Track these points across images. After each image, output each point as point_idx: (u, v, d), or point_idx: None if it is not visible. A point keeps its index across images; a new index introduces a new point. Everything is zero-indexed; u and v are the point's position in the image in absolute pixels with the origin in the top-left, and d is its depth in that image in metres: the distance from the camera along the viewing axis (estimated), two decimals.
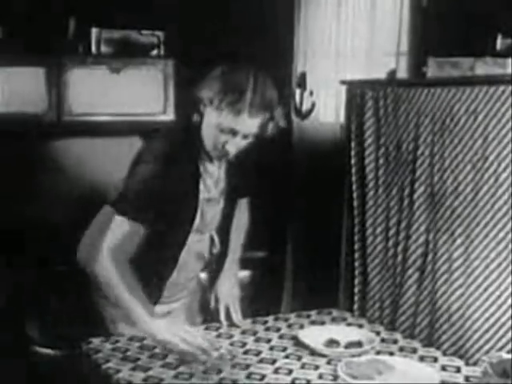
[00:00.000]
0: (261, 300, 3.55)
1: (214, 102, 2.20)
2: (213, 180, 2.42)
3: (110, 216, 2.28)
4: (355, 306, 2.98)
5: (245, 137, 2.25)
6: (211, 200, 2.43)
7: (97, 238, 2.28)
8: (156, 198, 2.25)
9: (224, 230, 2.58)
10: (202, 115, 2.26)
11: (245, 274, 3.84)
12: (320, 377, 2.13)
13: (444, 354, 2.36)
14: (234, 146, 2.26)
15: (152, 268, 2.37)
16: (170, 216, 2.30)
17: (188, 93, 2.32)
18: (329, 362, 2.23)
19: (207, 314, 2.66)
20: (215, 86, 2.22)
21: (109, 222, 2.27)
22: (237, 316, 2.57)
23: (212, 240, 2.55)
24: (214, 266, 2.62)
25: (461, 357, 2.39)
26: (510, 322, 2.40)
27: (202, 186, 2.38)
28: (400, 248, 2.77)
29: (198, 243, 2.48)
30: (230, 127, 2.21)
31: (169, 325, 2.25)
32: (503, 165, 2.41)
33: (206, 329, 2.50)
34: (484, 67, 2.58)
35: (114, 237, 2.26)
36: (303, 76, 4.03)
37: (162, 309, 2.46)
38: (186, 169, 2.33)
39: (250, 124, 2.22)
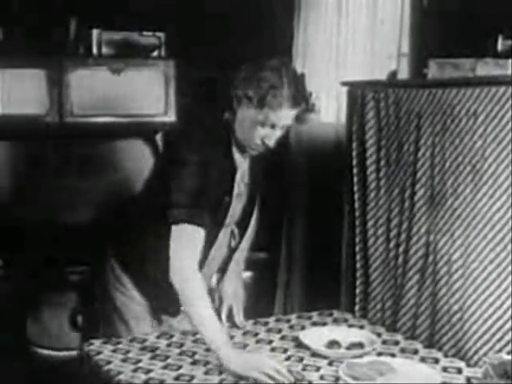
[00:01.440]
0: (261, 301, 3.55)
1: (253, 100, 2.23)
2: (240, 175, 2.44)
3: (181, 230, 2.22)
4: (356, 308, 2.98)
5: (282, 128, 2.30)
6: (240, 195, 2.45)
7: (181, 256, 2.21)
8: (207, 198, 2.25)
9: (243, 224, 2.57)
10: (235, 112, 2.30)
11: (246, 275, 3.84)
12: (321, 378, 2.14)
13: (445, 355, 2.36)
14: (274, 138, 2.31)
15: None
16: (212, 213, 2.30)
17: (217, 92, 2.33)
18: (330, 364, 2.23)
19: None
20: (251, 83, 2.24)
21: (182, 236, 2.21)
22: (239, 317, 2.57)
23: (232, 233, 2.56)
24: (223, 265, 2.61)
25: (462, 358, 2.40)
26: (509, 323, 2.40)
27: (235, 184, 2.41)
28: (401, 249, 2.77)
29: (222, 237, 2.49)
30: (272, 122, 2.26)
31: (251, 358, 2.16)
32: (502, 166, 2.41)
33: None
34: (485, 68, 2.58)
35: (194, 248, 2.22)
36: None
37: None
38: (223, 165, 2.35)
39: (289, 116, 2.28)
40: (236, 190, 2.42)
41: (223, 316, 2.56)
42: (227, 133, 2.35)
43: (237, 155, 2.41)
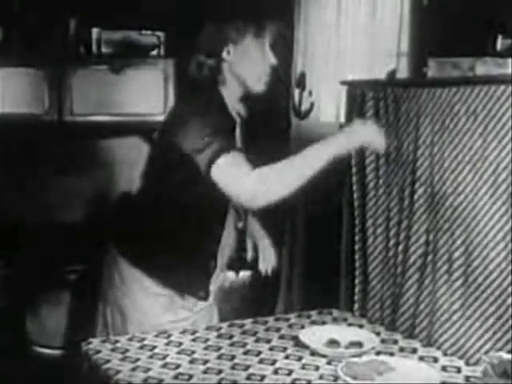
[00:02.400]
0: (261, 300, 3.55)
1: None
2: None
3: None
4: (356, 307, 2.98)
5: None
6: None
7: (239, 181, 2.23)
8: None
9: None
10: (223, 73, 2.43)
11: (245, 274, 3.84)
12: (320, 377, 2.13)
13: (444, 354, 2.36)
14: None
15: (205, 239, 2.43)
16: None
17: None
18: (329, 363, 2.23)
19: None
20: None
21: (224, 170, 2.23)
22: (266, 264, 2.57)
23: (238, 214, 2.58)
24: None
25: (461, 357, 2.39)
26: (510, 322, 2.40)
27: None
28: (400, 248, 2.77)
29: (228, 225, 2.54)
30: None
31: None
32: (502, 165, 2.40)
33: (207, 329, 2.50)
34: (484, 67, 2.58)
35: (241, 167, 2.23)
36: (303, 76, 4.03)
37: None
38: (221, 119, 2.36)
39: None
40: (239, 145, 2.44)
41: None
42: (219, 94, 2.42)
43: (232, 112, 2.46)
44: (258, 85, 2.43)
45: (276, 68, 2.43)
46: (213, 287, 2.57)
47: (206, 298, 2.53)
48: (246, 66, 2.41)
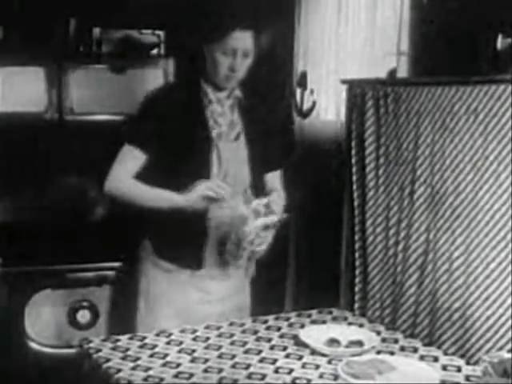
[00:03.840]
0: (261, 299, 3.55)
1: (209, 35, 2.51)
2: (219, 112, 2.59)
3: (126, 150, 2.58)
4: (356, 306, 2.98)
5: (245, 55, 2.49)
6: (222, 136, 2.57)
7: (117, 169, 2.58)
8: (160, 128, 2.53)
9: (258, 189, 2.65)
10: (204, 57, 2.53)
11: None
12: (321, 376, 2.13)
13: (445, 353, 2.36)
14: (240, 66, 2.50)
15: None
16: (181, 149, 2.52)
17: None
18: (329, 362, 2.23)
19: None
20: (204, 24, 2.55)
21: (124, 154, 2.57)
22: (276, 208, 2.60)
23: (245, 192, 2.61)
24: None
25: (461, 356, 2.39)
26: (510, 322, 2.40)
27: (210, 121, 2.56)
28: (400, 247, 2.77)
29: (233, 152, 2.59)
30: (231, 47, 2.46)
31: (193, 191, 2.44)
32: (503, 164, 2.41)
33: (207, 328, 2.50)
34: None
35: (127, 164, 2.56)
36: (304, 75, 4.03)
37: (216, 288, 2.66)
38: (190, 101, 2.57)
39: (245, 38, 2.48)
40: (216, 129, 2.55)
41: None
42: (195, 75, 2.59)
43: (209, 90, 2.56)
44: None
45: None
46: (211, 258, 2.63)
47: (199, 267, 2.61)
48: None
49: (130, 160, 2.57)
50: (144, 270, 2.69)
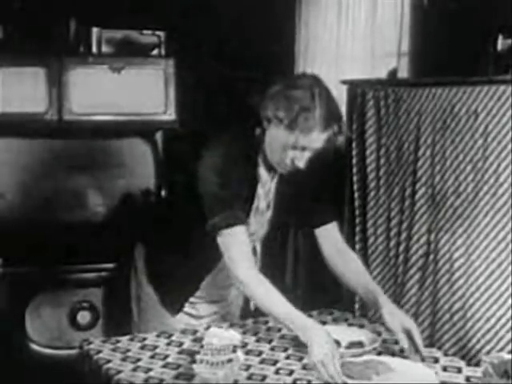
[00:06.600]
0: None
1: (283, 121, 2.19)
2: (264, 190, 2.42)
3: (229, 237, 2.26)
4: (356, 306, 2.98)
5: (313, 150, 2.26)
6: (259, 210, 2.43)
7: (237, 264, 2.26)
8: (232, 200, 2.26)
9: (269, 242, 2.57)
10: (264, 131, 2.27)
11: None
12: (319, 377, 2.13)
13: (445, 354, 2.36)
14: (303, 160, 2.27)
15: (190, 267, 2.46)
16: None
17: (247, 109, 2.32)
18: None
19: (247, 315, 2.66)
20: (282, 104, 2.20)
21: (227, 243, 2.26)
22: None
23: (254, 250, 2.54)
24: None
25: (463, 357, 2.39)
26: (510, 323, 2.40)
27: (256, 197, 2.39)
28: (401, 248, 2.77)
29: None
30: (302, 145, 2.22)
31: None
32: (503, 165, 2.41)
33: (207, 328, 2.50)
34: None
35: (242, 248, 2.27)
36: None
37: (207, 309, 2.59)
38: (247, 176, 2.33)
39: (320, 139, 2.23)
40: (256, 203, 2.40)
41: None
42: (255, 150, 2.33)
43: (262, 171, 2.38)
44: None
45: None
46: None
47: (175, 313, 2.55)
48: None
49: (240, 242, 2.27)
50: (134, 275, 2.63)
